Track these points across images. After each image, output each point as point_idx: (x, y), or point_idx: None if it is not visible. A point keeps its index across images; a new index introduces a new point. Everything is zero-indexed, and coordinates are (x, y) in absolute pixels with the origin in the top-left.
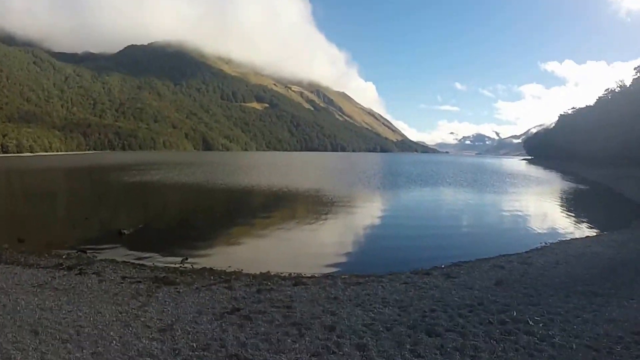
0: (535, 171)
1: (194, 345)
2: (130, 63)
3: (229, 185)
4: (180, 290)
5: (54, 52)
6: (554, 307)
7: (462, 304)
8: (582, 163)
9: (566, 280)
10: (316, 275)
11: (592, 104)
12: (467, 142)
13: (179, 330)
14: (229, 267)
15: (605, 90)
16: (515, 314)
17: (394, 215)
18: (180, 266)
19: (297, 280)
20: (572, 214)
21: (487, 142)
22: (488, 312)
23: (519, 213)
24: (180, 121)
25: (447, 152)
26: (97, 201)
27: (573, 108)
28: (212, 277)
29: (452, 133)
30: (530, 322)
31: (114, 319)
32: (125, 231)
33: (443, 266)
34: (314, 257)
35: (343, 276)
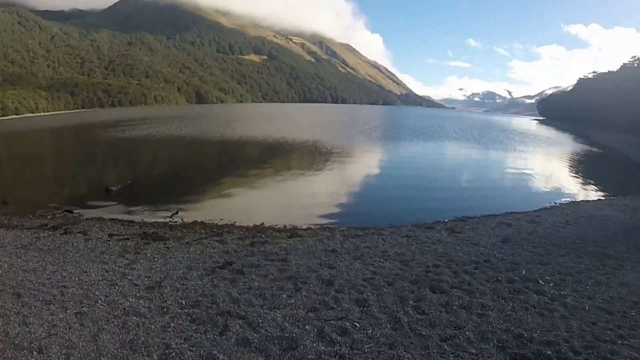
0: (548, 132)
1: (183, 302)
2: (120, 19)
3: (221, 137)
4: (170, 246)
5: (39, 11)
6: (565, 267)
7: (468, 260)
8: (598, 127)
9: (577, 241)
10: (313, 227)
11: (615, 70)
12: (476, 98)
13: (168, 287)
14: (221, 219)
15: (632, 57)
16: (524, 272)
17: (395, 167)
18: (170, 221)
19: (293, 232)
20: (583, 176)
21: (497, 100)
22: (495, 269)
23: (528, 172)
24: (173, 75)
25: (453, 108)
26: (84, 159)
27: (594, 72)
28: (203, 231)
29: (461, 89)
30: (541, 282)
31: (100, 278)
32: (113, 188)
33: (447, 220)
34: (310, 208)
35: (341, 228)
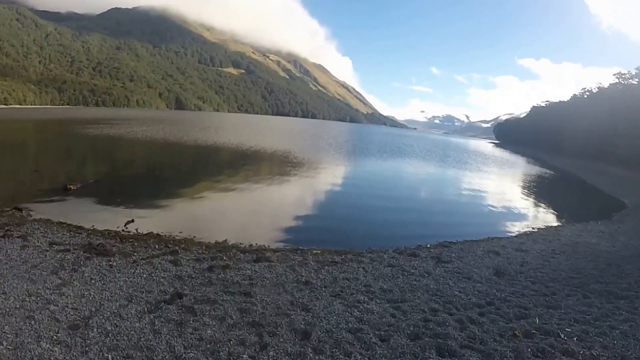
0: (507, 154)
1: (109, 356)
2: (112, 25)
3: (196, 142)
4: (114, 264)
5: (37, 10)
6: (579, 313)
7: (468, 302)
8: (550, 151)
9: (574, 276)
10: (282, 249)
11: (565, 100)
12: (437, 121)
13: (95, 329)
14: (180, 232)
15: (582, 89)
16: (538, 321)
17: (369, 184)
18: (124, 230)
19: (260, 254)
20: (549, 199)
21: (456, 124)
22: (504, 316)
23: (498, 193)
24: (156, 81)
25: (415, 129)
26: (52, 153)
27: (547, 101)
28: (157, 246)
29: (422, 111)
30: (563, 336)
31: (18, 305)
32: (72, 186)
33: (429, 245)
34: (280, 224)
35: (315, 251)
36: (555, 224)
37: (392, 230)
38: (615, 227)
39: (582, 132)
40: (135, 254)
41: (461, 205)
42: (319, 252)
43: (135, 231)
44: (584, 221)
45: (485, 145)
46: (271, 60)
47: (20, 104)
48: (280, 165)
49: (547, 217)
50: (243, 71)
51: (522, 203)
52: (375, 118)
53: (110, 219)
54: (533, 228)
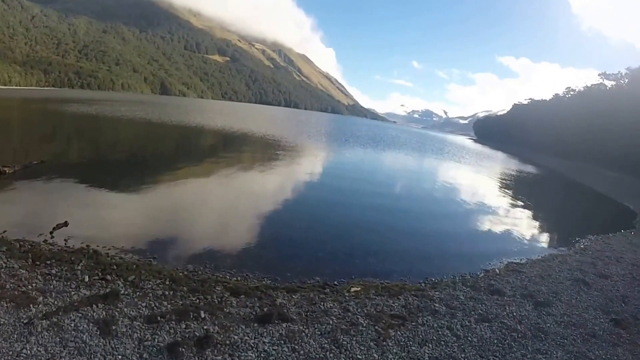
0: (491, 151)
1: None
2: (99, 8)
3: (177, 123)
4: None
5: None
6: None
7: None
8: (532, 149)
9: None
10: (300, 285)
11: (547, 99)
12: (416, 115)
13: None
14: (133, 248)
15: (566, 89)
16: None
17: (376, 180)
18: (46, 240)
19: (266, 301)
20: (558, 203)
21: (434, 119)
22: None
23: (503, 195)
24: (141, 66)
25: (394, 122)
26: (6, 130)
27: (530, 99)
28: (86, 278)
29: (402, 105)
30: None
31: None
32: (7, 169)
33: (498, 271)
34: (284, 232)
35: (353, 288)
36: (580, 233)
37: (417, 239)
38: None
39: (571, 131)
40: (41, 297)
41: (457, 208)
42: (359, 289)
43: (63, 244)
44: (609, 231)
45: (467, 142)
46: (256, 49)
47: (5, 85)
48: (270, 150)
49: (564, 225)
50: (228, 59)
51: (534, 207)
52: (357, 110)
53: (37, 219)
54: (570, 240)
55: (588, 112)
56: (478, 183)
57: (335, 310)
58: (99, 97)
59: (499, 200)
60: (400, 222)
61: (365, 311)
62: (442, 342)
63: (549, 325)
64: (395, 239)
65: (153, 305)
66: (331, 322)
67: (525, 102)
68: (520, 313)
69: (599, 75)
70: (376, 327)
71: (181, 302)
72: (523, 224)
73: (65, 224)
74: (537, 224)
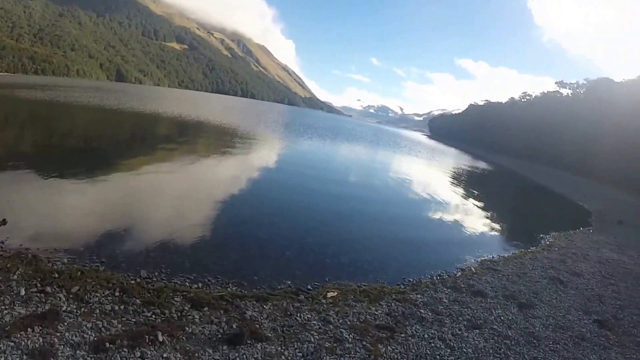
0: (446, 148)
1: None
2: None
3: (126, 110)
4: None
5: None
6: None
7: None
8: (489, 149)
9: None
10: (270, 293)
11: (503, 102)
12: (371, 110)
13: None
14: (81, 250)
15: (523, 93)
16: None
17: (335, 170)
18: None
19: (235, 315)
20: (516, 201)
21: (390, 114)
22: None
23: (460, 193)
24: (98, 52)
25: (350, 116)
26: None
27: (486, 100)
28: (22, 291)
29: (359, 100)
30: None
31: None
32: None
33: (474, 270)
34: (248, 226)
35: (330, 293)
36: (543, 230)
37: (387, 234)
38: (612, 238)
39: (525, 134)
40: None
41: (398, 206)
42: (336, 294)
43: None
44: (569, 229)
45: (422, 138)
46: (215, 38)
47: None
48: (228, 139)
49: (526, 221)
50: (186, 47)
51: (495, 203)
52: (313, 103)
53: None
54: (534, 236)
55: (543, 116)
56: (438, 178)
57: (315, 322)
58: (54, 83)
59: (461, 195)
60: (368, 217)
61: (349, 322)
62: (438, 357)
63: (537, 329)
64: (365, 235)
65: (101, 325)
66: (312, 339)
67: (482, 103)
68: (508, 317)
69: (556, 83)
70: (364, 343)
71: (134, 320)
72: (487, 220)
73: (4, 222)
74: (500, 219)
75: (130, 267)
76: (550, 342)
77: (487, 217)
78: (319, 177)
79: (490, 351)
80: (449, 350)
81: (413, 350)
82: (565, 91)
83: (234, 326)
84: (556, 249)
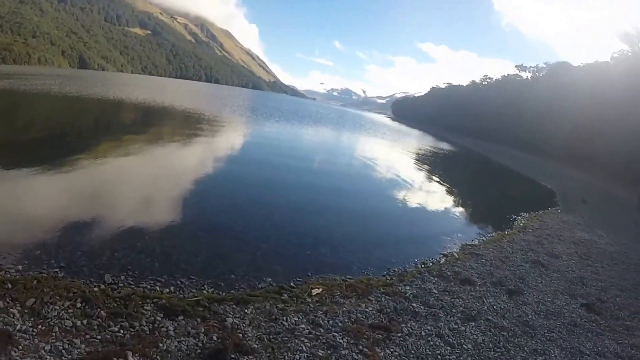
0: (411, 130)
1: None
2: None
3: (89, 97)
4: None
5: None
6: None
7: None
8: (451, 131)
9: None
10: (251, 294)
11: (464, 85)
12: (335, 93)
13: None
14: (38, 253)
15: (483, 76)
16: None
17: (303, 155)
18: None
19: (215, 323)
20: (482, 182)
21: (353, 97)
22: None
23: (424, 174)
24: (59, 39)
25: (314, 99)
26: None
27: (447, 83)
28: None
29: (322, 83)
30: None
31: None
32: None
33: (457, 255)
34: (219, 220)
35: (315, 290)
36: (513, 211)
37: (364, 221)
38: (580, 218)
39: (486, 115)
40: None
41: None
42: (321, 290)
43: None
44: (537, 209)
45: (385, 120)
46: (179, 22)
47: None
48: (194, 125)
49: (496, 203)
50: (149, 32)
51: (463, 184)
52: (277, 86)
53: None
54: (507, 217)
55: (504, 99)
56: (406, 160)
57: (303, 326)
58: (14, 72)
59: (429, 177)
60: (342, 202)
61: (340, 324)
62: (439, 356)
63: (530, 317)
64: (343, 222)
65: (61, 347)
66: (304, 348)
67: (443, 86)
68: (500, 306)
69: (516, 66)
70: (360, 347)
71: (99, 337)
72: (458, 202)
73: None
74: (471, 201)
75: (93, 271)
76: (545, 331)
77: (458, 199)
78: (290, 163)
79: (490, 345)
80: (449, 348)
81: (413, 352)
82: (525, 74)
83: (215, 337)
84: (530, 230)
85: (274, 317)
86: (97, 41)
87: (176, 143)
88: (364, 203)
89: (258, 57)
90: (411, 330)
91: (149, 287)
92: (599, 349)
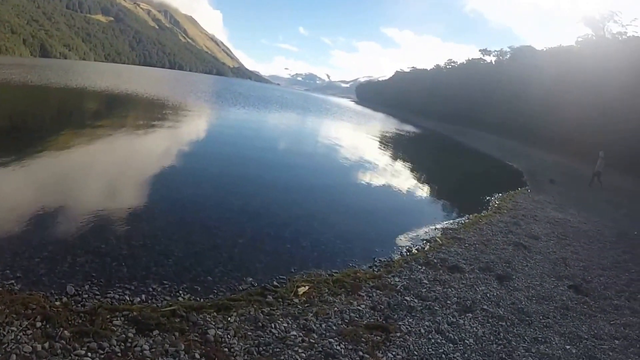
0: (374, 112)
1: None
2: None
3: (51, 85)
4: None
5: None
6: None
7: None
8: (417, 114)
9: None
10: (232, 298)
11: (429, 69)
12: (299, 78)
13: None
14: None
15: (448, 60)
16: None
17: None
18: None
19: (194, 343)
20: (452, 163)
21: (317, 82)
22: None
23: (391, 156)
24: (20, 27)
25: (278, 84)
26: None
27: (412, 67)
28: None
29: (286, 69)
30: None
31: None
32: None
33: (440, 240)
34: (192, 216)
35: (301, 288)
36: (485, 192)
37: (340, 209)
38: (551, 198)
39: (452, 98)
40: None
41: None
42: (308, 288)
43: None
44: (508, 189)
45: (350, 103)
46: (142, 8)
47: None
48: (159, 112)
49: (468, 184)
50: (112, 19)
51: (432, 166)
52: (242, 72)
53: None
54: (480, 198)
55: (468, 82)
56: (373, 143)
57: (295, 333)
58: None
59: (398, 159)
60: (317, 190)
61: (334, 327)
62: (443, 355)
63: (524, 303)
64: (320, 211)
65: None
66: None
67: (408, 70)
68: (492, 293)
69: (480, 50)
70: (360, 353)
71: None
72: (432, 185)
73: None
74: (444, 183)
75: (53, 280)
76: (541, 317)
77: (431, 182)
78: (260, 150)
79: (491, 338)
80: (451, 345)
81: (415, 353)
82: (489, 58)
83: (197, 355)
84: (505, 211)
85: (260, 324)
86: (59, 29)
87: (141, 132)
88: (339, 190)
89: (222, 43)
90: (410, 328)
91: (117, 296)
92: (595, 331)
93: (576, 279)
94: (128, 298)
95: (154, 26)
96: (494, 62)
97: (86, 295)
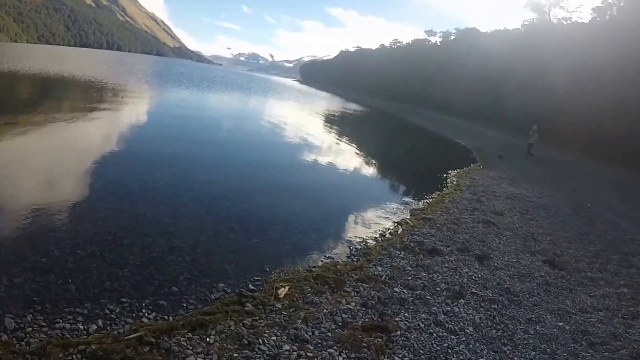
0: (316, 91)
1: None
2: None
3: None
4: None
5: None
6: None
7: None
8: (362, 93)
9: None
10: (210, 311)
11: (374, 48)
12: (242, 58)
13: None
14: None
15: (393, 40)
16: None
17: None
18: None
19: None
20: (399, 141)
21: (260, 62)
22: None
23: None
24: None
25: (220, 64)
26: None
27: (357, 47)
28: None
29: (229, 48)
30: None
31: None
32: None
33: (411, 222)
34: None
35: (281, 289)
36: (440, 169)
37: (300, 194)
38: (503, 173)
39: (397, 78)
40: None
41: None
42: (288, 289)
43: None
44: (461, 166)
45: (294, 83)
46: None
47: None
48: (98, 95)
49: (422, 161)
50: None
51: (382, 145)
52: (182, 52)
53: None
54: (437, 176)
55: (414, 61)
56: (321, 123)
57: (287, 347)
58: None
59: (350, 140)
60: (274, 176)
61: (329, 333)
62: (449, 350)
63: (508, 283)
64: (283, 198)
65: None
66: None
67: (353, 49)
68: (477, 275)
69: (425, 32)
70: None
71: None
72: (387, 162)
73: None
74: (399, 162)
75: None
76: (527, 295)
77: (385, 159)
78: (209, 134)
79: (489, 323)
80: (454, 337)
81: (421, 351)
82: (434, 39)
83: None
84: (465, 188)
85: (246, 341)
86: None
87: (79, 118)
88: (298, 172)
89: (162, 21)
90: (408, 324)
91: (68, 326)
92: (579, 305)
93: (548, 254)
94: (82, 327)
95: (91, 4)
96: (439, 43)
97: (30, 329)
